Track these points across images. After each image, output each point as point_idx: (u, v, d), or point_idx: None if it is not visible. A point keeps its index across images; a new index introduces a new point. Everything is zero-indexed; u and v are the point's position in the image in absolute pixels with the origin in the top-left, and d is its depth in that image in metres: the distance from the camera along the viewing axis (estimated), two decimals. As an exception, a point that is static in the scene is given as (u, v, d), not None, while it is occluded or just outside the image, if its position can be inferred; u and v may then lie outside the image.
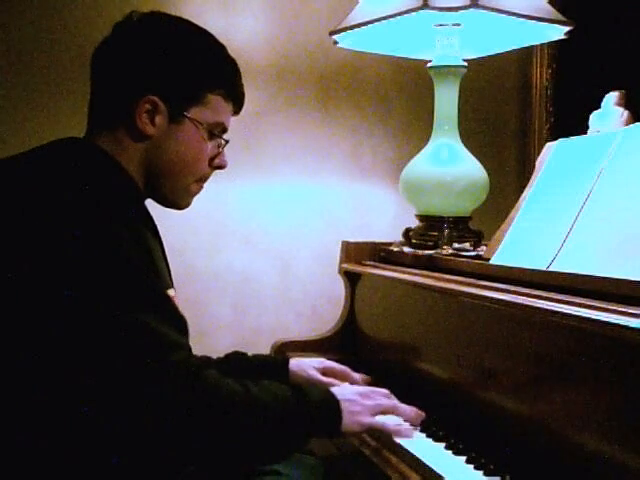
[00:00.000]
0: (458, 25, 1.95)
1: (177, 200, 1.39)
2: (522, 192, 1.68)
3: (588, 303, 1.18)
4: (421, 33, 2.01)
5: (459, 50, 1.99)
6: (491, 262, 1.58)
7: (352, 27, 1.98)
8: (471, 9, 1.79)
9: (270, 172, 2.54)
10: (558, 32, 1.99)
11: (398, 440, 1.35)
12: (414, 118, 2.61)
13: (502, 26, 1.95)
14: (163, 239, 1.37)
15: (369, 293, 2.03)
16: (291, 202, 2.57)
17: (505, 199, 2.25)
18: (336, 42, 2.10)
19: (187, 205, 1.41)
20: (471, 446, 1.30)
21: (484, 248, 1.75)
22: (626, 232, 1.28)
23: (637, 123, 1.51)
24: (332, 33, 2.07)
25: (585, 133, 1.74)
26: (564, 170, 1.56)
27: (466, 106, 2.19)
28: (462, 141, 2.04)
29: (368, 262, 2.08)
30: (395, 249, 2.02)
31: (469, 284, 1.52)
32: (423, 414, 1.41)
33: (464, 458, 1.27)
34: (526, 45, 2.20)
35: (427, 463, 1.25)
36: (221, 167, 1.41)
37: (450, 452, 1.31)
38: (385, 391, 1.41)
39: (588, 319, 1.14)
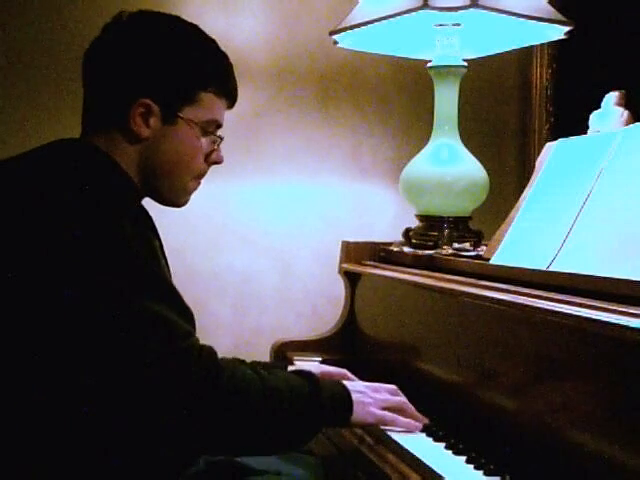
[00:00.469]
0: (458, 25, 1.95)
1: (175, 198, 1.39)
2: (522, 192, 1.68)
3: (588, 303, 1.18)
4: (421, 33, 2.01)
5: (459, 50, 1.99)
6: (491, 262, 1.58)
7: (352, 27, 1.98)
8: (471, 9, 1.79)
9: (270, 172, 2.54)
10: (558, 32, 1.99)
11: (398, 439, 1.35)
12: (414, 118, 2.61)
13: (502, 26, 1.95)
14: (163, 239, 1.38)
15: (369, 293, 2.03)
16: (291, 202, 2.57)
17: (505, 199, 2.25)
18: (336, 42, 2.10)
19: (185, 202, 1.41)
20: (471, 446, 1.30)
21: (484, 248, 1.75)
22: (626, 232, 1.28)
23: (637, 123, 1.51)
24: (332, 33, 2.07)
25: (585, 133, 1.74)
26: (564, 170, 1.56)
27: (466, 106, 2.19)
28: (462, 141, 2.04)
29: (368, 262, 2.08)
30: (395, 249, 2.02)
31: (469, 284, 1.52)
32: (426, 420, 1.42)
33: (464, 458, 1.26)
34: (526, 45, 2.21)
35: (427, 463, 1.25)
36: (217, 162, 1.41)
37: (450, 452, 1.31)
38: (393, 387, 1.43)
39: (588, 319, 1.14)
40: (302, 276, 2.57)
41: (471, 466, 1.24)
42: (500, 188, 2.37)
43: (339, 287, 2.16)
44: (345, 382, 1.36)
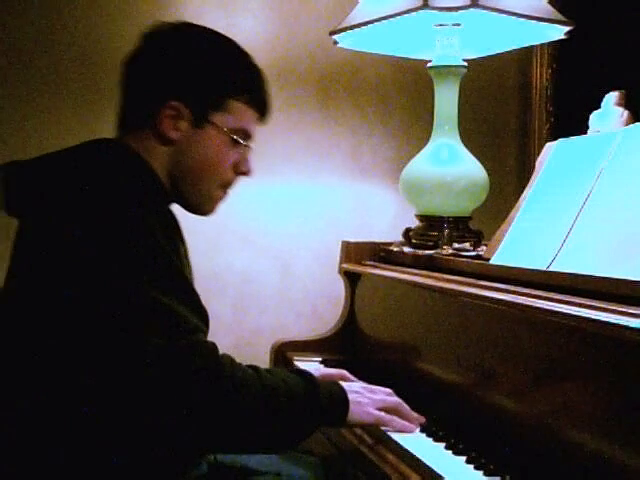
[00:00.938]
0: (458, 25, 1.95)
1: (200, 205, 1.41)
2: (522, 192, 1.68)
3: (588, 303, 1.18)
4: (421, 33, 2.01)
5: (459, 50, 1.99)
6: (491, 262, 1.58)
7: (352, 27, 1.98)
8: (471, 9, 1.79)
9: (270, 172, 2.54)
10: (558, 32, 1.99)
11: (398, 439, 1.35)
12: (414, 118, 2.62)
13: (502, 26, 1.95)
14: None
15: (369, 293, 2.03)
16: (291, 202, 2.57)
17: (505, 199, 2.25)
18: (336, 42, 2.11)
19: (211, 211, 1.43)
20: (471, 446, 1.30)
21: (484, 248, 1.75)
22: (626, 232, 1.28)
23: (637, 123, 1.51)
24: (332, 33, 2.07)
25: (585, 133, 1.74)
26: (564, 170, 1.56)
27: (466, 106, 2.19)
28: (462, 141, 2.04)
29: (368, 262, 2.08)
30: (395, 249, 2.02)
31: (469, 284, 1.52)
32: (423, 419, 1.42)
33: (464, 458, 1.26)
34: (526, 45, 2.21)
35: (427, 463, 1.25)
36: (245, 174, 1.42)
37: (450, 452, 1.31)
38: (388, 390, 1.43)
39: (588, 319, 1.14)
40: (302, 276, 2.57)
41: (471, 466, 1.24)
42: (500, 188, 2.37)
43: (339, 287, 2.16)
44: (342, 383, 1.37)
